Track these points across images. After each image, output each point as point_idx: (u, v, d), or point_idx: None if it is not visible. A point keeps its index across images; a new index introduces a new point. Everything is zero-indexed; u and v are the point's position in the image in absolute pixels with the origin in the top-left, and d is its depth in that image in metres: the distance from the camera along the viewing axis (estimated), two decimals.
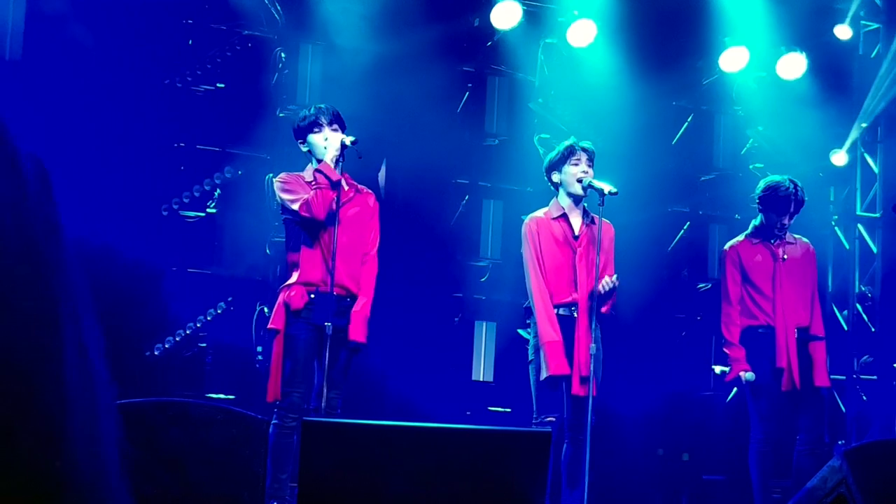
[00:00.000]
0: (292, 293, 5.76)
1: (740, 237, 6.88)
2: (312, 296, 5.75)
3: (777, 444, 6.66)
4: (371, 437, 3.71)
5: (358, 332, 5.82)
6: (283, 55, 8.28)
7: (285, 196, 5.82)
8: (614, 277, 6.13)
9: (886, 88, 9.53)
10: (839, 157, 9.65)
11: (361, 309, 5.86)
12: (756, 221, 6.87)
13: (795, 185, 6.73)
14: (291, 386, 5.70)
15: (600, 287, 6.07)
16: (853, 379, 9.51)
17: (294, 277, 5.82)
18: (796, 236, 6.96)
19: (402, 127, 8.20)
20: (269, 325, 5.85)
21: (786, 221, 6.74)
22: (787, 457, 6.72)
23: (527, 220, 6.37)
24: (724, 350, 6.76)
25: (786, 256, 6.78)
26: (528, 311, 6.31)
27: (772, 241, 6.79)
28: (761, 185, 6.83)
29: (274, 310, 5.84)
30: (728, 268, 6.78)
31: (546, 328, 6.11)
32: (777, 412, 6.65)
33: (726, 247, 6.88)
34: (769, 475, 6.61)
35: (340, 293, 5.79)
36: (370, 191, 6.13)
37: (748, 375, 6.58)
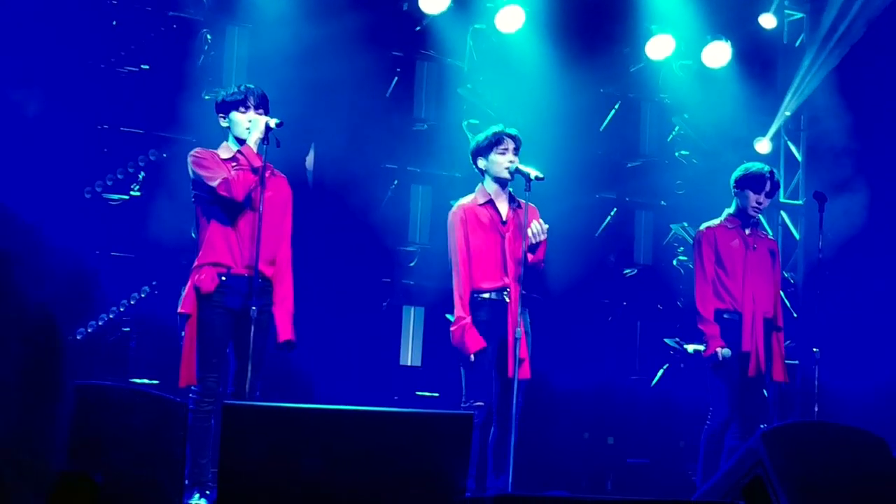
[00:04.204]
0: (202, 276, 5.63)
1: (716, 221, 6.97)
2: (223, 278, 5.64)
3: (729, 429, 6.73)
4: (292, 420, 3.69)
5: (287, 330, 5.74)
6: (209, 37, 8.19)
7: (201, 172, 5.67)
8: (544, 225, 6.16)
9: (810, 77, 9.68)
10: (763, 145, 9.79)
11: (286, 305, 5.78)
12: (731, 209, 6.96)
13: (771, 169, 6.95)
14: (206, 371, 5.63)
15: (529, 234, 6.09)
16: None
17: (203, 257, 5.69)
18: (762, 232, 7.09)
19: (331, 111, 8.15)
20: (179, 310, 5.68)
21: (762, 200, 6.86)
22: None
23: (454, 207, 6.37)
24: (700, 327, 6.81)
25: (755, 246, 6.90)
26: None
27: (745, 231, 6.90)
28: (738, 170, 6.96)
29: (184, 294, 5.69)
30: (704, 248, 6.87)
31: (460, 313, 6.15)
32: (739, 396, 6.72)
33: (702, 228, 6.97)
34: (716, 458, 6.68)
35: (253, 275, 5.62)
36: (284, 175, 6.02)
37: (724, 352, 6.65)
